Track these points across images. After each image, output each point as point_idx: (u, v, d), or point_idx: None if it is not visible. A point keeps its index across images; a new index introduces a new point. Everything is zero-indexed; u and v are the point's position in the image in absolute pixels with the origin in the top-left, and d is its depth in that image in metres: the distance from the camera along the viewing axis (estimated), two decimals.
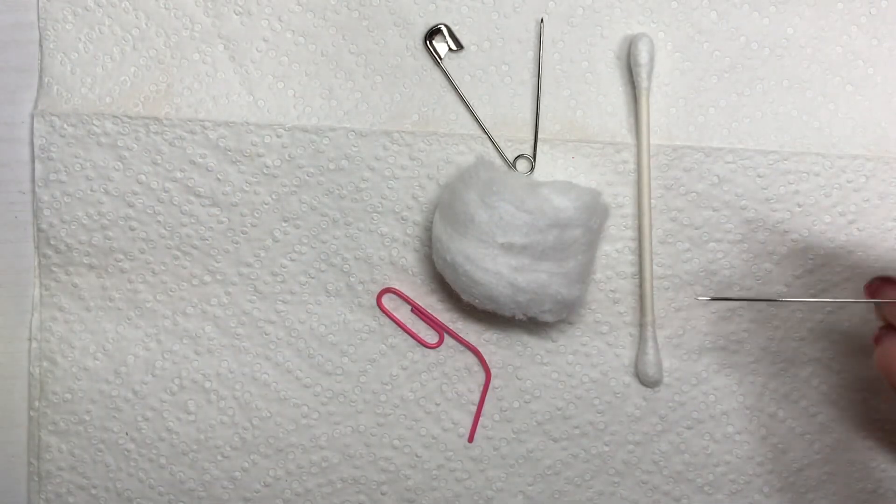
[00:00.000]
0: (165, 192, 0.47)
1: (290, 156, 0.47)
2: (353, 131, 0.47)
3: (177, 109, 0.47)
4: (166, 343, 0.48)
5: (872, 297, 0.40)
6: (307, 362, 0.48)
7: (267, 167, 0.47)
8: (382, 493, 0.49)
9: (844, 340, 0.48)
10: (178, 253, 0.48)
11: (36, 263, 0.48)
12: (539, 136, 0.47)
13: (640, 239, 0.47)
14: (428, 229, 0.47)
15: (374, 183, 0.47)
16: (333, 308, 0.48)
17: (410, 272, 0.48)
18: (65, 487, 0.49)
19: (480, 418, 0.48)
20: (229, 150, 0.47)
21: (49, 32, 0.46)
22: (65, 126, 0.46)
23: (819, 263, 0.48)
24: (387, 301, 0.48)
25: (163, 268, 0.48)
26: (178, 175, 0.47)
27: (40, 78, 0.47)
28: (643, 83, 0.46)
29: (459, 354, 0.48)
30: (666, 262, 0.48)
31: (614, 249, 0.48)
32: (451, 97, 0.47)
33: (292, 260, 0.48)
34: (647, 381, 0.48)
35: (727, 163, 0.47)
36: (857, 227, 0.47)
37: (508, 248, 0.42)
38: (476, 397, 0.48)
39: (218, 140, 0.47)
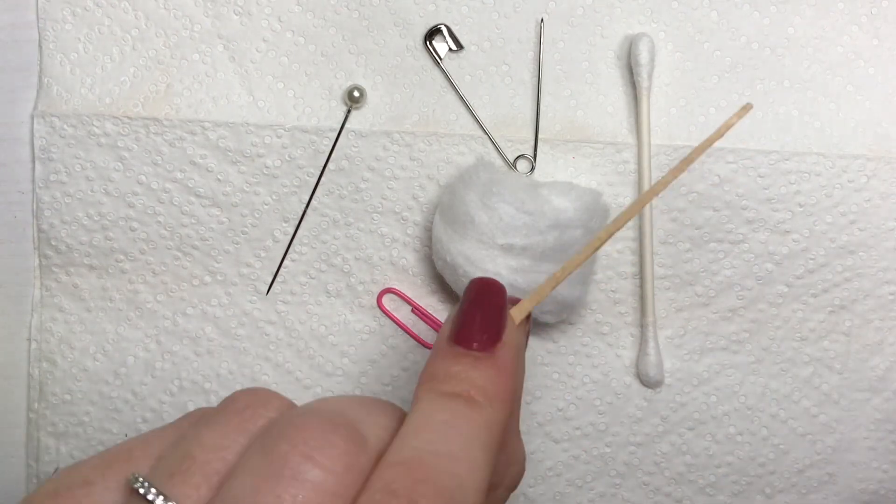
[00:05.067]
0: (166, 192, 0.47)
1: (290, 156, 0.47)
2: (353, 131, 0.47)
3: (177, 110, 0.47)
4: (166, 344, 0.48)
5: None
6: (307, 363, 0.48)
7: (267, 167, 0.47)
8: None
9: (846, 340, 0.48)
10: (179, 253, 0.48)
11: (36, 264, 0.48)
12: (539, 136, 0.47)
13: (640, 239, 0.47)
14: (428, 230, 0.47)
15: (375, 183, 0.47)
16: (334, 308, 0.48)
17: (411, 272, 0.48)
18: None
19: None
20: (229, 151, 0.47)
21: (48, 33, 0.47)
22: (65, 127, 0.46)
23: (820, 263, 0.48)
24: (387, 301, 0.48)
25: (163, 268, 0.48)
26: (179, 175, 0.47)
27: (40, 78, 0.47)
28: (644, 83, 0.46)
29: None
30: (667, 262, 0.47)
31: (615, 250, 0.47)
32: (451, 97, 0.47)
33: (293, 260, 0.48)
34: (649, 382, 0.48)
35: (728, 163, 0.47)
36: (858, 227, 0.47)
37: (508, 249, 0.42)
38: None
39: (218, 140, 0.47)
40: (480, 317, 0.29)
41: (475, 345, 0.28)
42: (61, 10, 0.47)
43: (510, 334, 0.29)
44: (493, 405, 0.27)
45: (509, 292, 0.43)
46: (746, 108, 0.32)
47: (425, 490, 0.23)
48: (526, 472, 0.48)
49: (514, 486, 0.32)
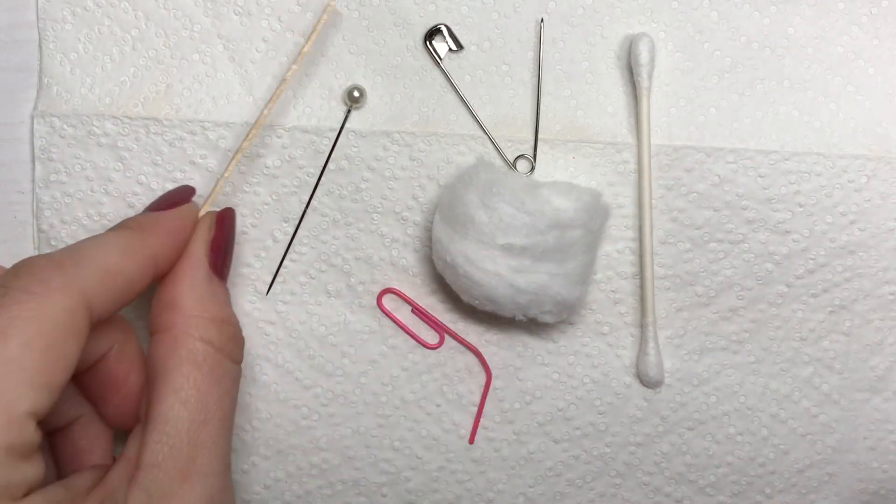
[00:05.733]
0: None
1: (290, 156, 0.47)
2: (353, 131, 0.47)
3: (177, 110, 0.47)
4: None
5: None
6: (307, 363, 0.48)
7: (267, 167, 0.47)
8: (383, 495, 0.48)
9: (846, 340, 0.48)
10: None
11: None
12: (539, 136, 0.47)
13: (640, 239, 0.47)
14: (428, 230, 0.47)
15: (375, 183, 0.47)
16: (334, 309, 0.48)
17: (411, 273, 0.48)
18: None
19: (481, 419, 0.48)
20: (229, 151, 0.47)
21: (48, 33, 0.47)
22: (65, 127, 0.46)
23: (820, 263, 0.48)
24: (387, 301, 0.48)
25: None
26: (179, 176, 0.47)
27: (40, 78, 0.47)
28: (644, 83, 0.46)
29: (460, 355, 0.48)
30: (667, 262, 0.47)
31: (615, 250, 0.48)
32: (451, 97, 0.47)
33: (293, 260, 0.48)
34: (649, 382, 0.48)
35: (728, 163, 0.47)
36: (858, 227, 0.47)
37: (508, 249, 0.42)
38: (477, 398, 0.48)
39: (218, 141, 0.47)
40: (165, 196, 0.42)
41: None
42: (61, 10, 0.47)
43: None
44: (140, 231, 0.38)
45: (509, 292, 0.43)
46: (328, 9, 0.41)
47: None
48: (526, 472, 0.48)
49: (221, 341, 0.38)
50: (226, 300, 0.40)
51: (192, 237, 0.40)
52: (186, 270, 0.39)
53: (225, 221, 0.41)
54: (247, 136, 0.43)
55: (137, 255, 0.36)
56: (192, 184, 0.47)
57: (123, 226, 0.38)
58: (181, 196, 0.41)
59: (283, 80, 0.42)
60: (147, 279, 0.36)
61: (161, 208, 0.40)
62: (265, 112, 0.43)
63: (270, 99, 0.43)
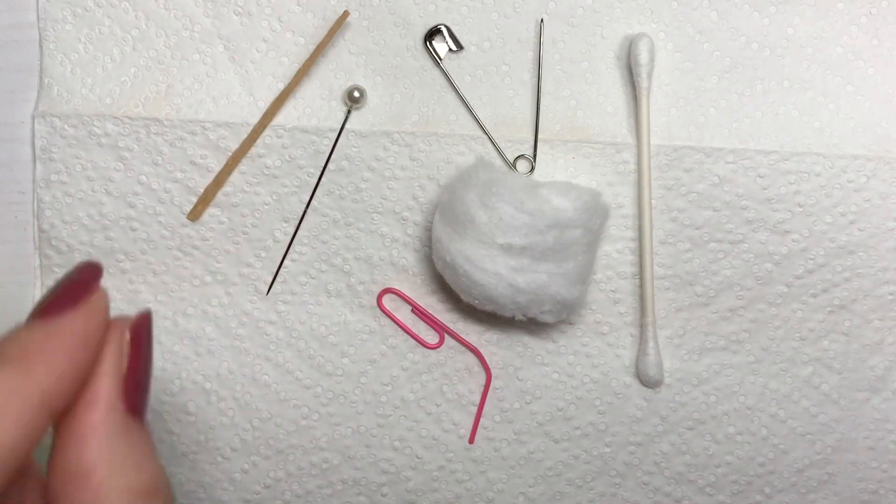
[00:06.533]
0: (166, 192, 0.47)
1: (290, 156, 0.47)
2: (353, 131, 0.47)
3: (177, 110, 0.47)
4: (166, 344, 0.48)
5: None
6: (307, 363, 0.48)
7: (267, 167, 0.47)
8: (383, 495, 0.48)
9: (845, 340, 0.48)
10: (179, 254, 0.48)
11: (37, 264, 0.48)
12: (539, 136, 0.47)
13: (640, 239, 0.47)
14: (428, 230, 0.47)
15: (375, 183, 0.47)
16: (334, 308, 0.48)
17: (411, 272, 0.48)
18: None
19: (481, 419, 0.48)
20: (230, 151, 0.47)
21: (49, 33, 0.47)
22: (66, 127, 0.46)
23: (820, 263, 0.48)
24: (387, 301, 0.48)
25: (163, 268, 0.48)
26: (179, 176, 0.47)
27: (40, 78, 0.47)
28: (643, 83, 0.46)
29: (460, 355, 0.48)
30: (666, 262, 0.48)
31: (615, 250, 0.48)
32: (451, 97, 0.47)
33: (293, 260, 0.48)
34: (648, 382, 0.48)
35: (728, 163, 0.47)
36: (857, 227, 0.47)
37: (508, 248, 0.42)
38: (477, 398, 0.48)
39: (218, 141, 0.47)
40: (60, 287, 0.28)
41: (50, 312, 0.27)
42: (62, 11, 0.47)
43: (89, 307, 0.28)
44: (24, 364, 0.25)
45: (509, 292, 0.43)
46: (344, 15, 0.42)
47: None
48: (526, 472, 0.48)
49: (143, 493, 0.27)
50: (148, 453, 0.28)
51: (97, 367, 0.28)
52: (96, 423, 0.27)
53: (142, 340, 0.29)
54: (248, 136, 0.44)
55: (19, 406, 0.25)
56: (191, 184, 0.47)
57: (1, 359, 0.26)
58: (84, 283, 0.29)
59: (288, 85, 0.43)
60: (37, 434, 0.25)
61: (57, 305, 0.28)
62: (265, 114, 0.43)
63: (275, 100, 0.44)
